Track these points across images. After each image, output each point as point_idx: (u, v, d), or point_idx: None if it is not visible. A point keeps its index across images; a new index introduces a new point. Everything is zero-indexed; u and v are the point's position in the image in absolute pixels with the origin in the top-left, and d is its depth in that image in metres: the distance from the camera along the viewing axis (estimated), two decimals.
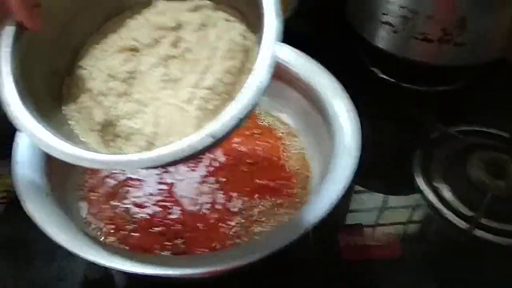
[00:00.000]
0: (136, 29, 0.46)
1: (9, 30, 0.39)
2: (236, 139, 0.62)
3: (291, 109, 0.63)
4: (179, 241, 0.50)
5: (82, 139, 0.43)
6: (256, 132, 0.63)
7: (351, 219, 0.64)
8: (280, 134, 0.63)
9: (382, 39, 0.77)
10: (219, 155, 0.59)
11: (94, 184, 0.56)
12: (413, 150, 0.70)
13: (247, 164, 0.59)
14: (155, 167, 0.45)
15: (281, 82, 0.62)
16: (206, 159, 0.59)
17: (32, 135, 0.38)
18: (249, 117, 0.39)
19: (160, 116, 0.41)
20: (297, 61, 0.60)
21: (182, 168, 0.58)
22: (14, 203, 0.60)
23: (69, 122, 0.44)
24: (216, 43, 0.42)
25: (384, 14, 0.73)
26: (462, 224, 0.61)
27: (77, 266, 0.54)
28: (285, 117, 0.64)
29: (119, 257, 0.41)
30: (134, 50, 0.44)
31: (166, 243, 0.50)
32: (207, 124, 0.37)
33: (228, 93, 0.41)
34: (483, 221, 0.60)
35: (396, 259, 0.59)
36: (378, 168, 0.70)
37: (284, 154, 0.60)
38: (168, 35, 0.44)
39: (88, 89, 0.43)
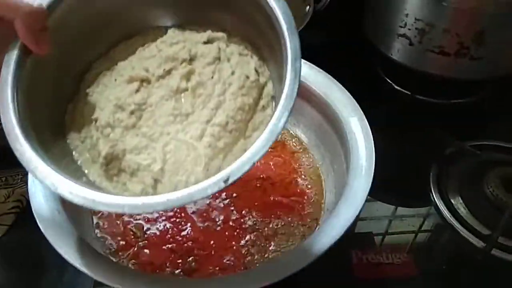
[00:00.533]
0: (147, 58, 0.44)
1: (14, 54, 0.38)
2: None
3: (305, 124, 0.63)
4: (190, 259, 0.50)
5: (85, 170, 0.41)
6: None
7: (362, 233, 0.63)
8: (294, 149, 0.62)
9: (398, 51, 0.76)
10: None
11: None
12: (428, 165, 0.69)
13: (260, 179, 0.59)
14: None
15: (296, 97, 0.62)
16: None
17: (31, 170, 0.36)
18: None
19: (168, 152, 0.39)
20: (312, 76, 0.59)
21: None
22: (26, 212, 0.61)
23: (73, 153, 0.42)
24: (230, 78, 0.41)
25: (400, 26, 0.73)
26: (478, 243, 0.60)
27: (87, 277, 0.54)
28: (299, 132, 0.64)
29: (126, 278, 0.40)
30: (145, 81, 0.43)
31: (178, 260, 0.50)
32: (217, 164, 0.37)
33: (239, 130, 0.40)
34: (501, 239, 0.59)
35: (410, 278, 0.58)
36: (392, 182, 0.69)
37: (297, 169, 0.60)
38: (180, 67, 0.42)
39: (94, 119, 0.42)
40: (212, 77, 0.42)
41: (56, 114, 0.43)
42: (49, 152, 0.38)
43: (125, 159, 0.40)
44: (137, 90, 0.42)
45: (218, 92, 0.41)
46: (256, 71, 0.42)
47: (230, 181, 0.34)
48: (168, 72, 0.43)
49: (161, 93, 0.42)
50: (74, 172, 0.40)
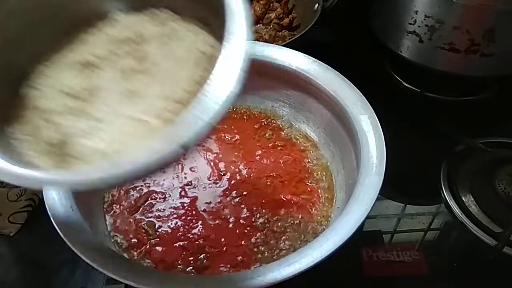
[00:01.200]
0: (94, 44, 0.41)
1: None
2: (258, 151, 0.61)
3: (314, 122, 0.63)
4: (202, 257, 0.50)
5: (28, 158, 0.37)
6: (279, 144, 0.63)
7: (372, 231, 0.64)
8: (303, 147, 0.62)
9: (408, 49, 0.76)
10: (242, 168, 0.59)
11: (118, 197, 0.56)
12: (438, 162, 0.69)
13: (270, 177, 0.59)
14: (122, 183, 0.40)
15: (305, 94, 0.62)
16: (228, 170, 0.59)
17: None
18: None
19: (121, 132, 0.36)
20: (322, 73, 0.59)
21: (205, 181, 0.58)
22: (39, 210, 0.62)
23: (14, 143, 0.38)
24: (182, 54, 0.38)
25: (410, 24, 0.72)
26: (490, 240, 0.59)
27: (99, 275, 0.55)
28: (308, 130, 0.64)
29: (139, 274, 0.41)
30: (93, 65, 0.40)
31: (189, 258, 0.50)
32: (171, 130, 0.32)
33: None
34: None
35: (421, 276, 0.58)
36: (402, 180, 0.69)
37: (307, 167, 0.60)
38: (129, 48, 0.40)
39: (35, 107, 0.39)
40: (165, 56, 0.39)
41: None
42: None
43: (71, 143, 0.36)
44: (84, 75, 0.39)
45: (170, 68, 0.38)
46: (211, 46, 0.39)
47: (190, 145, 0.30)
48: (117, 54, 0.40)
49: (109, 75, 0.39)
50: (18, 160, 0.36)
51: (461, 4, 0.66)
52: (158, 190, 0.57)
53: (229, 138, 0.63)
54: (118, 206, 0.55)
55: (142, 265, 0.49)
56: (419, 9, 0.70)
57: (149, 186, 0.57)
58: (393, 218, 0.66)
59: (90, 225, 0.47)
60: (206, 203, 0.55)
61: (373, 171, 0.47)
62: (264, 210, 0.55)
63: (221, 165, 0.60)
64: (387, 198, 0.68)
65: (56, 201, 0.47)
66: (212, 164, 0.60)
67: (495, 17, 0.66)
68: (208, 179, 0.58)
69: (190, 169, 0.59)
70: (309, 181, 0.58)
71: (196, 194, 0.56)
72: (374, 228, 0.64)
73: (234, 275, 0.41)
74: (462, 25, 0.67)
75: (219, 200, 0.56)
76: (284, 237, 0.52)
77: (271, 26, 0.84)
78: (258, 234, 0.52)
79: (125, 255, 0.51)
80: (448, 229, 0.65)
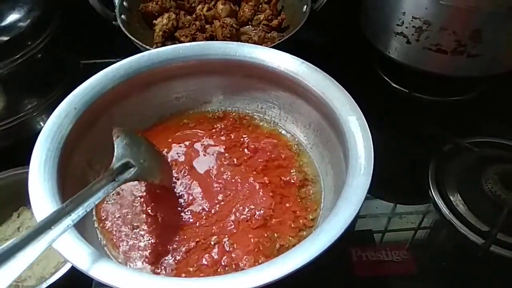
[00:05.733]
0: None
1: None
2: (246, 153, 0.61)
3: (303, 123, 0.63)
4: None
5: None
6: (266, 146, 0.63)
7: (362, 231, 0.64)
8: (292, 148, 0.62)
9: (396, 50, 0.76)
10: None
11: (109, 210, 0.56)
12: (426, 162, 0.70)
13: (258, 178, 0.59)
14: None
15: (294, 96, 0.62)
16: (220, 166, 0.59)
17: None
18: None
19: None
20: (310, 74, 0.59)
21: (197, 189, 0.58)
22: None
23: None
24: None
25: (397, 25, 0.73)
26: (478, 239, 0.60)
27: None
28: (297, 131, 0.64)
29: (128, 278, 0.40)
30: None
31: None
32: None
33: None
34: (499, 236, 0.59)
35: (410, 275, 0.59)
36: (391, 180, 0.70)
37: (296, 169, 0.60)
38: None
39: None
40: None
41: None
42: None
43: None
44: None
45: None
46: None
47: None
48: None
49: None
50: None
51: (448, 5, 0.66)
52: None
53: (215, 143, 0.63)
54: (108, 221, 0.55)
55: (133, 269, 0.49)
56: (407, 11, 0.71)
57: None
58: (382, 218, 0.66)
59: (79, 230, 0.46)
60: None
61: (361, 172, 0.47)
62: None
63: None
64: (376, 197, 0.68)
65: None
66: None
67: (482, 18, 0.66)
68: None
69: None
70: (298, 182, 0.58)
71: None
72: (364, 228, 0.64)
73: (217, 278, 0.41)
74: (449, 26, 0.68)
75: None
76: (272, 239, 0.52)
77: (260, 27, 0.84)
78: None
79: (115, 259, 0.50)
80: (436, 228, 0.66)
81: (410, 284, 0.59)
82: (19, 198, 0.64)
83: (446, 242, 0.66)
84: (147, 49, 0.66)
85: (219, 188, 0.57)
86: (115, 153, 0.47)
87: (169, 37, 0.83)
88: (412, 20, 0.71)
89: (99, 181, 0.45)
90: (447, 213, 0.63)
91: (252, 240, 0.51)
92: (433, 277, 0.60)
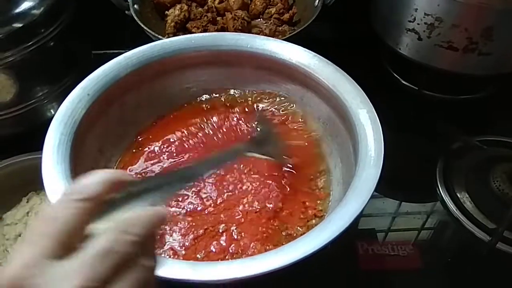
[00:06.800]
0: None
1: None
2: None
3: (313, 115, 0.63)
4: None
5: None
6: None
7: (367, 229, 0.64)
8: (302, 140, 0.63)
9: (407, 46, 0.76)
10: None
11: None
12: (435, 159, 0.70)
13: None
14: None
15: (304, 88, 0.62)
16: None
17: None
18: None
19: None
20: (322, 67, 0.59)
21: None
22: None
23: None
24: None
25: (409, 21, 0.73)
26: (484, 236, 0.60)
27: None
28: (307, 124, 0.64)
29: None
30: None
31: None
32: None
33: None
34: (506, 233, 0.59)
35: (415, 270, 0.59)
36: (399, 177, 0.70)
37: (305, 161, 0.60)
38: None
39: None
40: None
41: None
42: None
43: None
44: None
45: None
46: None
47: None
48: None
49: None
50: None
51: (460, 2, 0.66)
52: None
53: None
54: None
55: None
56: (419, 7, 0.71)
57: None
58: (388, 216, 0.66)
59: None
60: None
61: (371, 164, 0.48)
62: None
63: None
64: (383, 195, 0.68)
65: None
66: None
67: (494, 16, 0.66)
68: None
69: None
70: (307, 174, 0.58)
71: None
72: (369, 226, 0.64)
73: (227, 263, 0.41)
74: (461, 24, 0.68)
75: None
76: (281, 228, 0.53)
77: (272, 20, 0.85)
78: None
79: None
80: (443, 225, 0.66)
81: (415, 279, 0.59)
82: (28, 184, 0.65)
83: (453, 238, 0.66)
84: (159, 39, 0.67)
85: (229, 177, 0.57)
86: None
87: (181, 28, 0.83)
88: (424, 17, 0.71)
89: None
90: (454, 210, 0.63)
91: (260, 229, 0.52)
92: (439, 273, 0.60)
